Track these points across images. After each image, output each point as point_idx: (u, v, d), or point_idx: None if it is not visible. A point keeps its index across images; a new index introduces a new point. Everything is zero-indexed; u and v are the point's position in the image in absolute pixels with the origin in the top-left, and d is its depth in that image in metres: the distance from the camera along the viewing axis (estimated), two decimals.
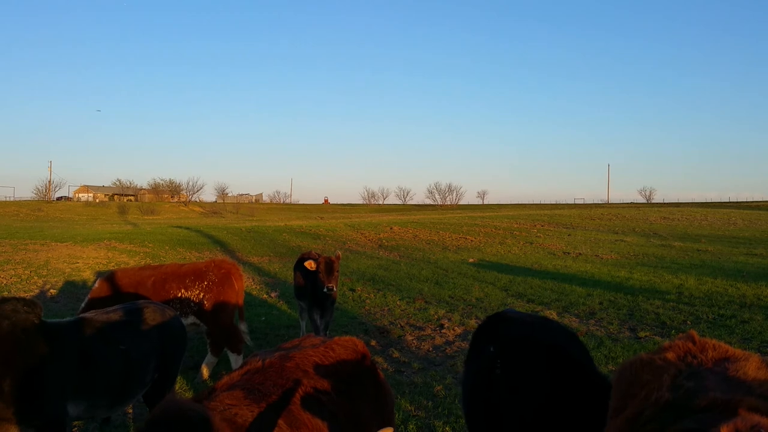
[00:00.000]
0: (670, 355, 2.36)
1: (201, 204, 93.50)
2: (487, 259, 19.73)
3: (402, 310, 10.87)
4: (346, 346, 2.90)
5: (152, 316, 4.67)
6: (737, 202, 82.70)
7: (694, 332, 2.54)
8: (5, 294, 10.96)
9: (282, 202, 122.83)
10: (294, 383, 2.48)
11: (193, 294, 7.02)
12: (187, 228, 26.26)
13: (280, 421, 2.24)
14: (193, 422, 1.84)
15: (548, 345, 3.27)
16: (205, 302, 7.03)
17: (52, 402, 3.83)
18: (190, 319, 6.95)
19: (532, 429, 3.02)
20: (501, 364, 3.25)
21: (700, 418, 1.84)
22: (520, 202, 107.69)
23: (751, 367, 2.15)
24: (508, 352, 3.31)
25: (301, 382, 2.51)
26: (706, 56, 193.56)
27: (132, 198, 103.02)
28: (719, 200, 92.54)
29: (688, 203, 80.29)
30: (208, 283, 7.11)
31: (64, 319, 4.42)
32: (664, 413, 1.98)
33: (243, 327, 7.56)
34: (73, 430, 5.27)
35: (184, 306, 6.92)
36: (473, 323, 9.62)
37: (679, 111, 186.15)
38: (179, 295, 6.96)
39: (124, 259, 16.29)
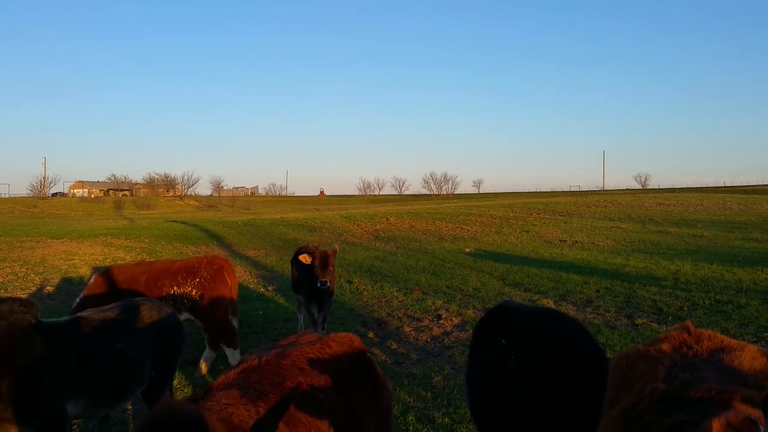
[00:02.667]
0: (666, 347, 2.37)
1: (196, 198, 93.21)
2: (484, 248, 19.76)
3: (399, 302, 10.88)
4: (342, 342, 2.90)
5: (149, 313, 4.68)
6: (732, 187, 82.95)
7: (689, 323, 2.55)
8: (2, 292, 10.95)
9: (278, 194, 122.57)
10: (290, 381, 2.49)
11: (186, 290, 7.01)
12: (183, 222, 26.21)
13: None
14: (188, 424, 1.84)
15: (563, 336, 3.27)
16: (198, 298, 7.03)
17: (51, 401, 3.83)
18: (184, 316, 6.95)
19: (545, 420, 3.03)
20: (516, 355, 3.25)
21: (693, 410, 1.84)
22: (515, 191, 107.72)
23: (746, 357, 2.16)
24: (522, 343, 3.30)
25: (297, 380, 2.51)
26: (700, 41, 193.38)
27: (127, 193, 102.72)
28: (714, 185, 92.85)
29: (683, 188, 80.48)
30: (201, 280, 7.10)
31: (61, 318, 4.42)
32: (658, 405, 1.99)
33: (234, 323, 7.56)
34: (73, 428, 5.28)
35: (178, 302, 6.90)
36: (471, 313, 9.65)
37: (673, 96, 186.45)
38: (172, 291, 6.95)
39: (121, 254, 16.27)
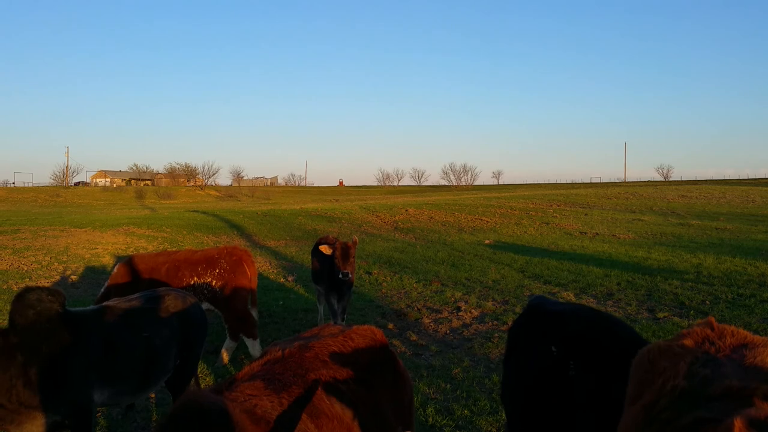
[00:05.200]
0: (688, 342, 2.35)
1: (217, 188, 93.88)
2: (503, 240, 19.69)
3: (418, 293, 10.90)
4: (364, 335, 2.92)
5: (173, 303, 4.74)
6: (755, 179, 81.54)
7: (712, 318, 2.53)
8: (27, 281, 11.14)
9: (297, 184, 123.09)
10: (314, 373, 2.52)
11: (206, 281, 7.08)
12: (204, 212, 26.43)
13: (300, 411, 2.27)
14: (212, 416, 1.88)
15: (624, 344, 3.05)
16: (218, 289, 7.10)
17: (78, 389, 3.90)
18: (205, 306, 7.02)
19: (610, 425, 2.93)
20: (574, 366, 3.09)
21: (714, 407, 1.84)
22: (535, 182, 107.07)
23: None
24: (581, 352, 3.15)
25: (320, 372, 2.54)
26: (723, 32, 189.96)
27: (148, 182, 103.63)
28: (737, 177, 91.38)
29: (706, 181, 79.32)
30: (221, 271, 7.17)
31: (88, 308, 4.50)
32: (679, 401, 1.98)
33: (254, 313, 7.62)
34: (98, 416, 5.38)
35: (198, 293, 6.97)
36: (490, 305, 9.64)
37: (695, 87, 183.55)
38: (192, 282, 7.01)
39: (143, 244, 16.45)
